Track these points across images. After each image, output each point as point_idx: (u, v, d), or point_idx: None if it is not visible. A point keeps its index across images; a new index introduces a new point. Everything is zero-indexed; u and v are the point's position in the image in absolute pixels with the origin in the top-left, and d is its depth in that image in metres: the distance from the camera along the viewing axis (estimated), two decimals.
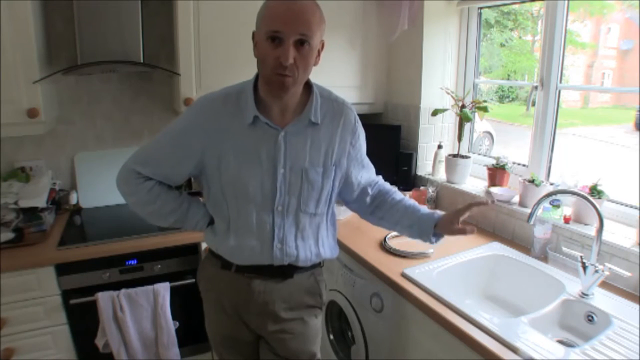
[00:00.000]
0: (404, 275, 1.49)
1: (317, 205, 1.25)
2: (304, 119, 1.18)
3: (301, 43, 1.06)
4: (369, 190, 1.37)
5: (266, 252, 1.23)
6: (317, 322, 1.37)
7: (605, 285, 1.40)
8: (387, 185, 1.42)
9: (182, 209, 1.28)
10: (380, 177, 1.42)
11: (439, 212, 1.32)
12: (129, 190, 1.25)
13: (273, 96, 1.14)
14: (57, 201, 2.07)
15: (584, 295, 1.35)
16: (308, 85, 1.22)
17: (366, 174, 1.36)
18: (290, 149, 1.18)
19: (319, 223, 1.28)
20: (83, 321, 1.74)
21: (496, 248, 1.72)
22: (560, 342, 1.29)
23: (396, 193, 1.38)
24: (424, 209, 1.34)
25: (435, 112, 2.13)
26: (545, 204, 1.61)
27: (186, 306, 1.93)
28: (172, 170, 1.24)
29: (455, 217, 1.25)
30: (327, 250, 1.33)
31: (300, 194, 1.21)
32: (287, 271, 1.27)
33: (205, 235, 1.34)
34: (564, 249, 1.55)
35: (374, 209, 1.39)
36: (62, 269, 1.69)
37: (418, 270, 1.50)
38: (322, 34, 1.12)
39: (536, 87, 1.86)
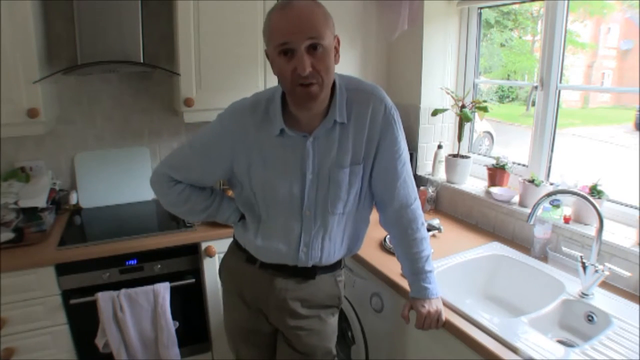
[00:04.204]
0: (404, 275, 1.48)
1: (345, 205, 1.23)
2: (329, 120, 1.14)
3: (314, 47, 1.02)
4: (399, 213, 1.28)
5: (292, 255, 1.25)
6: (334, 320, 1.38)
7: (605, 285, 1.41)
8: (416, 222, 1.28)
9: (213, 207, 1.31)
10: (415, 204, 1.29)
11: (417, 293, 1.30)
12: (161, 192, 1.29)
13: (302, 109, 1.10)
14: (57, 201, 2.07)
15: (584, 295, 1.35)
16: (333, 83, 1.14)
17: (402, 188, 1.25)
18: (318, 154, 1.16)
19: (346, 221, 1.27)
20: (83, 321, 1.74)
21: (496, 248, 1.72)
22: (560, 342, 1.29)
23: (414, 241, 1.28)
24: (418, 277, 1.29)
25: (435, 112, 2.13)
26: (545, 204, 1.60)
27: (186, 306, 1.93)
28: (202, 176, 1.27)
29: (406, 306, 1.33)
30: (353, 246, 1.33)
31: (327, 196, 1.19)
32: (309, 272, 1.28)
33: (235, 229, 1.37)
34: (564, 249, 1.55)
35: (389, 229, 1.34)
36: (62, 269, 1.69)
37: None
38: (332, 30, 1.06)
39: (536, 87, 1.86)
